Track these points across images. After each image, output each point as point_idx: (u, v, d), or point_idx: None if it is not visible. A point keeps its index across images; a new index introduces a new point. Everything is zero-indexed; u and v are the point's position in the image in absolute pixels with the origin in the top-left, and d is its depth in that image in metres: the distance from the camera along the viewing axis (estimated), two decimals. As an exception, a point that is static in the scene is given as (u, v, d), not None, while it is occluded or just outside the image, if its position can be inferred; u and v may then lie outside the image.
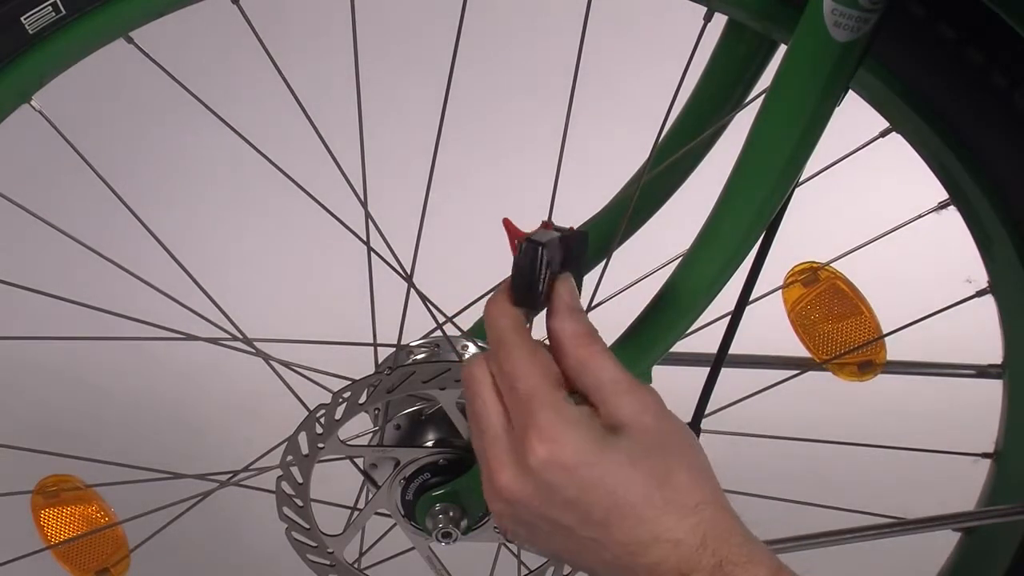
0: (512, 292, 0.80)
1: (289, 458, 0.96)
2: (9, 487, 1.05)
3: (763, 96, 0.82)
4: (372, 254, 0.98)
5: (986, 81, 0.86)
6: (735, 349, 0.91)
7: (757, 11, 0.87)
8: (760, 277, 0.88)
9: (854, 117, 0.89)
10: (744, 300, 0.89)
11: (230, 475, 1.03)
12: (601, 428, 0.77)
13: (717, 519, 0.76)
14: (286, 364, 0.99)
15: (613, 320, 0.93)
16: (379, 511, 0.99)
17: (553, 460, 0.76)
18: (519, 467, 0.77)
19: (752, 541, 0.76)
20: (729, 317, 0.90)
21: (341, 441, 0.96)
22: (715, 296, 0.87)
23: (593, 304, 0.87)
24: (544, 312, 0.81)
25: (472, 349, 0.99)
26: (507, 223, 0.82)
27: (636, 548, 0.75)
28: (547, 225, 0.82)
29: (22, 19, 0.84)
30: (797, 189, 0.83)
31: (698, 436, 0.94)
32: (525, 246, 0.78)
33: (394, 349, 1.00)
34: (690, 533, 0.75)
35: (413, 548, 1.00)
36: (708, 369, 0.91)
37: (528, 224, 0.82)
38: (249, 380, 1.46)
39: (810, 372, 1.08)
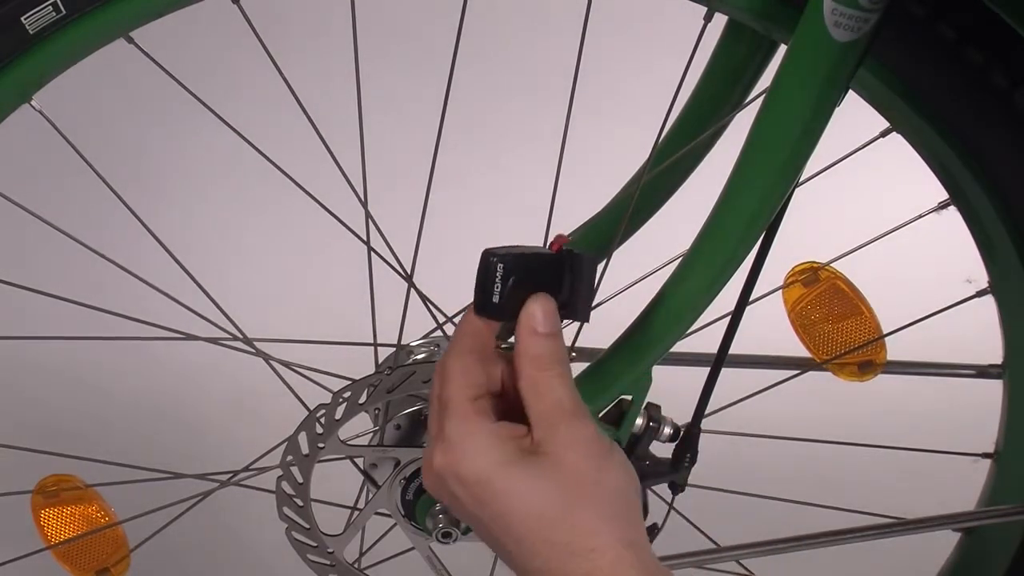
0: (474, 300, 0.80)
1: (289, 458, 0.96)
2: (9, 487, 1.05)
3: (763, 96, 0.82)
4: (372, 254, 0.98)
5: (986, 81, 0.86)
6: (735, 349, 0.91)
7: (757, 11, 0.87)
8: (760, 277, 0.88)
9: (854, 117, 0.89)
10: (744, 300, 0.89)
11: (230, 475, 1.03)
12: (516, 450, 0.76)
13: (616, 569, 0.73)
14: (286, 364, 0.99)
15: (613, 320, 0.93)
16: (379, 511, 0.99)
17: (449, 471, 0.76)
18: (433, 471, 0.77)
19: None
20: (729, 317, 0.90)
21: (341, 441, 0.96)
22: (715, 296, 0.87)
23: (593, 304, 0.86)
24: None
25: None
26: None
27: None
28: (555, 244, 0.81)
29: (22, 19, 0.84)
30: (797, 189, 0.83)
31: (698, 436, 0.94)
32: (481, 257, 0.78)
33: (394, 349, 1.00)
34: None
35: (413, 548, 1.00)
36: (708, 369, 0.91)
37: (531, 229, 0.82)
38: (249, 380, 1.46)
39: (810, 372, 1.08)
